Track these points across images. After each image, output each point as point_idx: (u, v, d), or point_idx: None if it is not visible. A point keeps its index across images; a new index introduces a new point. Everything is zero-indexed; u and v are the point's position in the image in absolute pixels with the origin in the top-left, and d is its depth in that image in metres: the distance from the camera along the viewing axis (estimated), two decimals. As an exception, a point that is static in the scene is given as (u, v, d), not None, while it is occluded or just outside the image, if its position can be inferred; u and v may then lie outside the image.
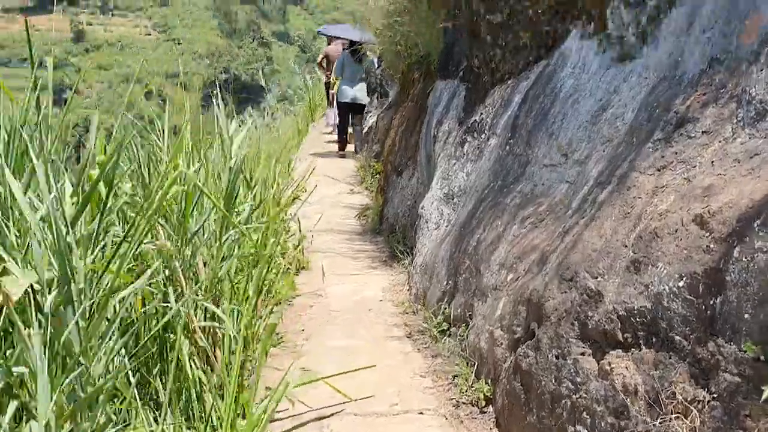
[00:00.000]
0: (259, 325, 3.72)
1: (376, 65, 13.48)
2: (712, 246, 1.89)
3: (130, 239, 2.06)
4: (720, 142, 2.18)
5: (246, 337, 3.51)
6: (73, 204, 1.75)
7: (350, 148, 11.77)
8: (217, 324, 3.09)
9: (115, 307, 1.95)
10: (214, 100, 3.46)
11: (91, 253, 1.87)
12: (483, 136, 4.27)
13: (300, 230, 5.40)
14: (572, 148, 3.12)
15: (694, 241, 1.97)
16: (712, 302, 1.85)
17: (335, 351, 3.80)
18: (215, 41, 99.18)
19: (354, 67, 11.12)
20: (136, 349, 2.48)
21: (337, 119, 11.85)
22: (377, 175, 8.03)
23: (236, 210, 3.75)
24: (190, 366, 2.79)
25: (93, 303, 1.72)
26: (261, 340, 3.42)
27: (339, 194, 8.44)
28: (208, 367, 3.00)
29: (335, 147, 11.95)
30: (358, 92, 11.19)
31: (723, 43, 2.37)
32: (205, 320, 3.14)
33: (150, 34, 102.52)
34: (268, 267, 4.13)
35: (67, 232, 1.63)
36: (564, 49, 3.55)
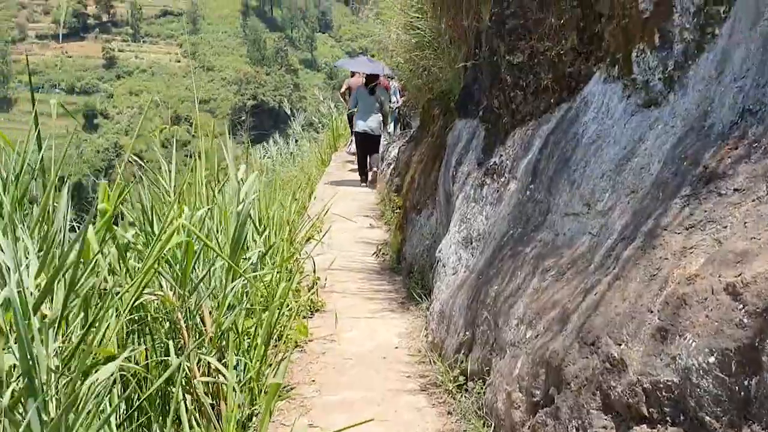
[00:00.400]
0: (268, 374, 3.58)
1: (399, 94, 13.65)
2: (745, 320, 1.73)
3: (100, 320, 1.93)
4: (753, 201, 2.02)
5: (253, 389, 3.38)
6: (36, 287, 1.62)
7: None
8: (221, 379, 2.96)
9: (98, 380, 1.82)
10: (223, 146, 3.36)
11: (62, 335, 1.75)
12: (503, 179, 4.12)
13: (315, 270, 5.26)
14: (595, 198, 2.96)
15: (725, 313, 1.81)
16: (746, 383, 1.68)
17: (346, 404, 3.63)
18: (244, 68, 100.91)
19: (367, 100, 11.42)
20: (131, 410, 2.36)
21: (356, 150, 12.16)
22: (397, 210, 7.91)
23: (244, 257, 3.63)
24: (189, 425, 2.67)
25: (60, 391, 1.59)
26: (266, 395, 3.28)
27: (359, 228, 8.31)
28: (211, 424, 2.87)
29: (356, 176, 12.20)
30: (371, 124, 11.48)
31: (756, 94, 2.21)
32: (209, 373, 3.02)
33: (180, 61, 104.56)
34: (279, 312, 4.00)
35: (29, 318, 1.50)
36: (587, 92, 3.40)
